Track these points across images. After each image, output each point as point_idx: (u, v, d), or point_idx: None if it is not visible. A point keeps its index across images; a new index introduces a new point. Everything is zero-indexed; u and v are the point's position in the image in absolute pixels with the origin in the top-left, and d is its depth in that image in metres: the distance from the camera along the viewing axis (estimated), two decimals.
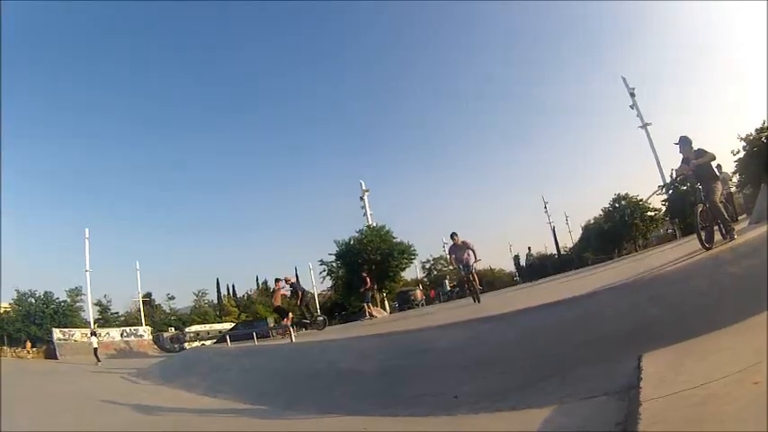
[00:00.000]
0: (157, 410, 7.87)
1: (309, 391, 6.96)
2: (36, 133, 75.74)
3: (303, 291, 15.13)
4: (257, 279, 70.63)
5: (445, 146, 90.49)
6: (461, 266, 11.85)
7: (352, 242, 31.57)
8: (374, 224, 33.69)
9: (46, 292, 43.81)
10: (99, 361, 23.76)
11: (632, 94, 33.26)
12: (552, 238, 46.56)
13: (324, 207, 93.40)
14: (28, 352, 38.33)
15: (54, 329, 39.07)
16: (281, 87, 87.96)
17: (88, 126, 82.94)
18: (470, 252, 11.69)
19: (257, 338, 14.24)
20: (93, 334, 31.08)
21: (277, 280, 15.08)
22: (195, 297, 62.02)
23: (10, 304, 46.10)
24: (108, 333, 39.72)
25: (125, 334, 40.03)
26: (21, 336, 41.74)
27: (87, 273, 40.99)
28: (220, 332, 37.40)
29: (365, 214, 36.14)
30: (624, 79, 33.88)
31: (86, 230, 41.56)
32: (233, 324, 40.60)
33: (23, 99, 68.19)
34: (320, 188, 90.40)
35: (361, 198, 36.68)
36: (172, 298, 60.14)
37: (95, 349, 26.12)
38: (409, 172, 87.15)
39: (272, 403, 6.92)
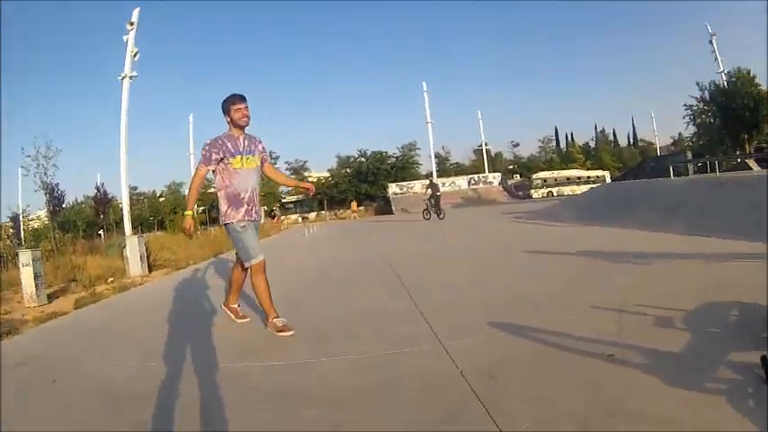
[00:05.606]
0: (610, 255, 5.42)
1: None
2: None
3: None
4: (596, 127, 69.96)
5: None
6: None
7: (723, 86, 28.64)
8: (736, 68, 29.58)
9: (376, 152, 46.44)
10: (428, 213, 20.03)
11: None
12: None
13: (666, 53, 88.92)
14: (353, 212, 39.74)
15: (389, 184, 40.46)
16: None
17: None
18: None
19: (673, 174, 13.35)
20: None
21: None
22: (540, 143, 63.13)
23: (330, 170, 49.71)
24: (453, 182, 40.21)
25: (473, 182, 40.20)
26: (347, 196, 43.61)
27: (429, 125, 39.25)
28: (568, 179, 38.29)
29: (716, 59, 31.17)
30: None
31: (423, 84, 39.54)
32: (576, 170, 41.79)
33: None
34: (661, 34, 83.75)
35: (710, 42, 31.96)
36: (516, 145, 63.06)
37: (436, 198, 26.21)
38: None
39: None
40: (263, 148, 3.68)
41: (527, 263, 5.65)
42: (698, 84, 29.84)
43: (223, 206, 3.44)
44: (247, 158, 3.49)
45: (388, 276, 5.57)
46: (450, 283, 4.80)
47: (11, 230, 27.83)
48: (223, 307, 3.90)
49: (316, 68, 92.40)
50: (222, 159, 3.42)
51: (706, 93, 29.28)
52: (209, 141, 3.46)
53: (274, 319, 3.32)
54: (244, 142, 3.50)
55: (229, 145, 3.43)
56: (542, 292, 3.80)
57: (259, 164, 3.60)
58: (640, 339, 2.41)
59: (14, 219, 31.06)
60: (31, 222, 35.44)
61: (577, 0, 77.72)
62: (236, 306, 3.82)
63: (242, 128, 3.50)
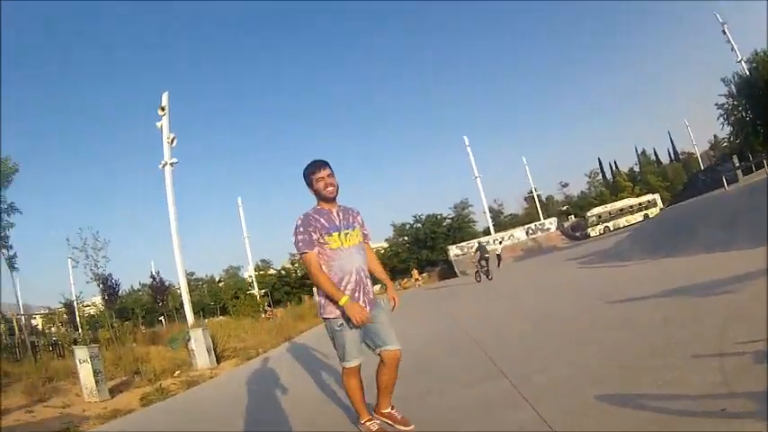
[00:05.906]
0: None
1: None
2: None
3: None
4: (636, 149, 68.91)
5: None
6: None
7: (745, 74, 27.43)
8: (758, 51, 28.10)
9: (430, 215, 46.20)
10: (480, 271, 18.40)
11: None
12: None
13: (678, 57, 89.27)
14: (416, 279, 38.70)
15: (449, 247, 39.98)
16: None
17: None
18: None
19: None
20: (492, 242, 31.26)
21: None
22: (588, 178, 62.95)
23: (387, 240, 49.83)
24: (512, 235, 40.03)
25: (530, 231, 39.93)
26: (408, 265, 43.18)
27: (478, 179, 40.75)
28: (621, 210, 38.30)
29: (732, 49, 30.19)
30: None
31: (465, 138, 42.49)
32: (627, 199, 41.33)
33: None
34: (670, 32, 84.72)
35: (723, 32, 31.18)
36: (565, 185, 63.63)
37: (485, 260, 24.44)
38: None
39: None
40: (362, 221, 3.11)
41: (610, 315, 5.40)
42: (722, 80, 28.84)
43: (319, 297, 2.92)
44: (347, 234, 2.91)
45: (471, 349, 5.38)
46: (538, 350, 4.60)
47: (64, 316, 28.38)
48: (374, 415, 3.20)
49: (359, 137, 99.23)
50: (317, 240, 2.85)
51: (732, 87, 28.14)
52: (299, 221, 2.89)
53: (367, 422, 2.98)
54: (339, 215, 2.95)
55: (323, 221, 2.88)
56: (637, 349, 3.68)
57: (362, 239, 3.02)
58: (746, 383, 2.41)
59: (68, 305, 30.83)
60: (86, 309, 34.76)
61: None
62: (389, 410, 3.11)
63: (331, 199, 2.95)
